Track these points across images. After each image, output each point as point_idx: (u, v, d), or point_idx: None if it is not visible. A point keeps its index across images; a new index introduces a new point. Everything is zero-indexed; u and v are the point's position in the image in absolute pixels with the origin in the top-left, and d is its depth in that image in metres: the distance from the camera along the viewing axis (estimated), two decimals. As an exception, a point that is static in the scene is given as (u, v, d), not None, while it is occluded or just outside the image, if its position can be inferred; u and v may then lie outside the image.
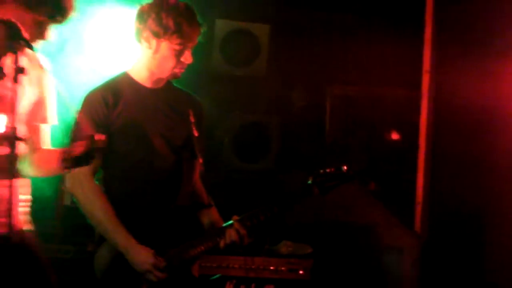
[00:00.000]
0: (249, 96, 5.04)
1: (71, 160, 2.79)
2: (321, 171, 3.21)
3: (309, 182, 3.19)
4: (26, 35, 2.54)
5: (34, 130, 3.01)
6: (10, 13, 2.68)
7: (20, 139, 2.78)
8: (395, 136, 5.33)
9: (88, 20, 4.11)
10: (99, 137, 2.73)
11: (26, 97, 2.90)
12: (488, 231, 4.52)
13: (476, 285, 4.50)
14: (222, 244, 3.17)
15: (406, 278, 4.64)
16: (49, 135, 3.05)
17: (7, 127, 2.71)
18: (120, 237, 3.15)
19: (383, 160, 5.17)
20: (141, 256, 3.14)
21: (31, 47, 2.57)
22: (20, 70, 2.47)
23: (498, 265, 4.42)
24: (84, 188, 3.07)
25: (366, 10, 4.99)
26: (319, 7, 5.07)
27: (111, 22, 4.06)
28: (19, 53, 2.48)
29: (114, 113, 3.07)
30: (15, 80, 2.47)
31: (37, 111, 2.99)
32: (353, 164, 3.27)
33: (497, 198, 4.48)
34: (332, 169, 3.21)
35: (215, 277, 3.95)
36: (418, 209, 4.68)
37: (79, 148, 2.75)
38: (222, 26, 4.84)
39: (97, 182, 3.18)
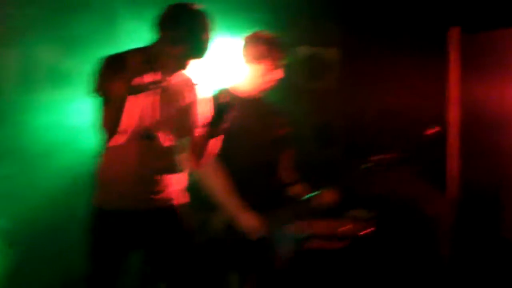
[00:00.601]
0: (323, 103, 5.35)
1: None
2: (373, 158, 3.53)
3: (364, 166, 3.53)
4: (155, 60, 2.85)
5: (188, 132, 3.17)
6: (163, 48, 2.96)
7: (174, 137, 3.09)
8: (431, 131, 4.74)
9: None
10: None
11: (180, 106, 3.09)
12: (504, 197, 4.79)
13: (492, 239, 4.80)
14: (315, 206, 3.52)
15: (441, 239, 5.00)
16: (197, 135, 3.16)
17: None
18: (232, 206, 3.44)
19: (423, 149, 4.68)
20: (248, 221, 3.43)
21: (156, 70, 2.86)
22: (149, 86, 2.78)
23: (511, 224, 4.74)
24: (205, 168, 3.25)
25: (407, 38, 5.25)
26: (374, 36, 5.32)
27: (222, 49, 4.12)
28: (150, 73, 2.77)
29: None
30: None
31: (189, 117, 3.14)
32: (398, 153, 3.53)
33: (510, 172, 4.76)
34: (381, 156, 3.54)
35: (304, 235, 4.10)
36: (452, 183, 4.96)
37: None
38: (303, 51, 5.31)
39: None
